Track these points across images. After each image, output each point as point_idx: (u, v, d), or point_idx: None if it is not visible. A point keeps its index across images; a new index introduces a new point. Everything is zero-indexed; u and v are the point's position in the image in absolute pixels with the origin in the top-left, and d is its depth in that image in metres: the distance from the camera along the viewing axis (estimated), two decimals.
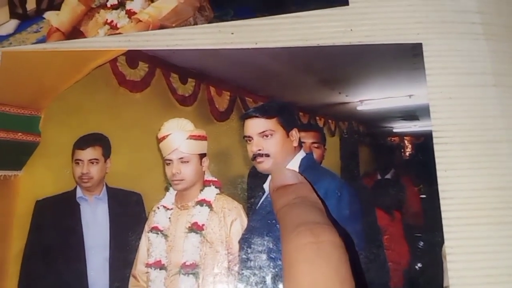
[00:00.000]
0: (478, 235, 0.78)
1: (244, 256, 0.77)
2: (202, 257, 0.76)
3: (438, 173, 0.81)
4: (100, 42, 0.88)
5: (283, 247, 0.49)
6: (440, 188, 0.80)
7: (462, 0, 0.92)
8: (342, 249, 0.48)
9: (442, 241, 0.77)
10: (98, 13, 0.91)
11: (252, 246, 0.77)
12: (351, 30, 0.89)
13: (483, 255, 0.78)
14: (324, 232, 0.48)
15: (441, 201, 0.80)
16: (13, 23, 0.89)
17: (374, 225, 0.79)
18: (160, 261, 0.77)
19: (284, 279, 0.47)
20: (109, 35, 0.88)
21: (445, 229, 0.78)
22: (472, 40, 0.89)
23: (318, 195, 0.57)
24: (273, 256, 0.76)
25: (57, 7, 0.91)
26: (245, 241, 0.78)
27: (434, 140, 0.83)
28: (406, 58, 0.86)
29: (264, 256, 0.76)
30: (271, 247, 0.76)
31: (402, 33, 0.89)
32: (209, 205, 0.79)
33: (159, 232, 0.79)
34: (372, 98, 0.85)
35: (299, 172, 0.76)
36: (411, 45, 0.87)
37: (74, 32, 0.89)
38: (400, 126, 0.84)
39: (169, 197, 0.81)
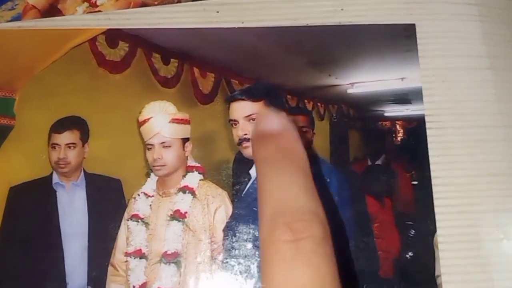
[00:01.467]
0: (471, 223, 0.76)
1: (228, 245, 0.74)
2: (185, 246, 0.74)
3: (431, 159, 0.78)
4: (78, 20, 0.84)
5: (259, 231, 0.43)
6: (432, 174, 0.77)
7: None
8: (325, 244, 0.42)
9: (434, 230, 0.74)
10: None
11: (237, 234, 0.74)
12: (342, 9, 0.85)
13: (476, 244, 0.75)
14: (304, 228, 0.42)
15: (434, 188, 0.77)
16: None
17: (364, 212, 0.76)
18: (140, 249, 0.74)
19: (261, 274, 0.43)
20: (88, 13, 0.84)
21: (437, 217, 0.76)
22: (467, 22, 0.85)
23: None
24: (258, 245, 0.73)
25: None
26: (229, 229, 0.75)
27: (427, 125, 0.80)
28: (399, 39, 0.83)
29: (249, 245, 0.74)
30: (256, 235, 0.73)
31: (395, 13, 0.86)
32: (192, 192, 0.76)
33: (139, 220, 0.76)
34: (363, 80, 0.82)
35: None
36: (404, 26, 0.84)
37: (51, 10, 0.85)
38: (392, 110, 0.81)
39: (150, 184, 0.78)
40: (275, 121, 0.54)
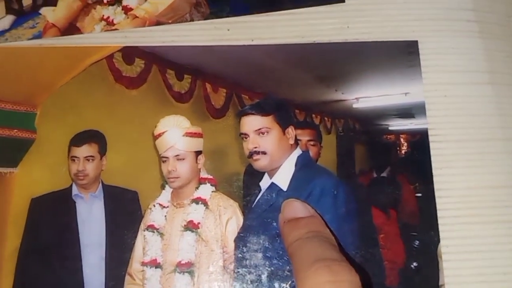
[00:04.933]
0: (473, 234, 0.74)
1: (239, 255, 0.72)
2: (198, 256, 0.72)
3: (434, 171, 0.76)
4: (96, 38, 0.82)
5: (298, 282, 0.45)
6: (435, 186, 0.75)
7: None
8: (359, 285, 0.44)
9: (437, 240, 0.72)
10: (95, 9, 0.86)
11: (247, 244, 0.72)
12: (348, 27, 0.83)
13: (479, 254, 0.73)
14: (343, 271, 0.44)
15: (437, 200, 0.75)
16: (9, 18, 0.83)
17: (370, 224, 0.74)
18: (155, 259, 0.72)
19: None
20: (105, 31, 0.82)
21: (440, 228, 0.74)
22: (468, 38, 0.83)
23: (331, 232, 0.52)
24: (269, 255, 0.71)
25: (53, 3, 0.86)
26: (240, 239, 0.73)
27: (430, 138, 0.78)
28: (402, 55, 0.81)
29: (259, 255, 0.72)
30: (266, 246, 0.71)
31: (398, 30, 0.84)
32: (204, 203, 0.74)
33: (155, 231, 0.74)
34: (368, 95, 0.80)
35: (295, 169, 0.72)
36: (407, 43, 0.82)
37: (70, 28, 0.83)
38: (396, 124, 0.78)
39: (165, 195, 0.76)
40: (302, 207, 0.55)
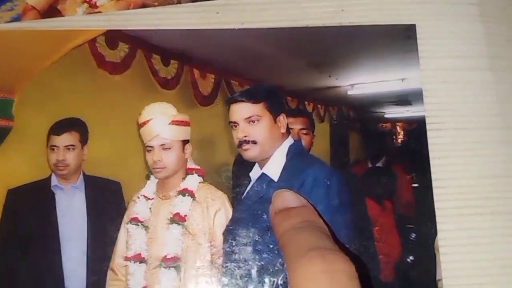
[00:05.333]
0: (472, 226, 0.70)
1: (228, 249, 0.69)
2: (184, 250, 0.68)
3: (431, 161, 0.72)
4: (78, 21, 0.78)
5: (290, 273, 0.43)
6: (433, 176, 0.72)
7: None
8: (356, 280, 0.42)
9: (435, 233, 0.68)
10: None
11: (237, 238, 0.68)
12: (342, 10, 0.79)
13: (477, 247, 0.70)
14: (337, 260, 0.42)
15: (434, 190, 0.72)
16: None
17: (364, 215, 0.71)
18: (140, 254, 0.69)
19: None
20: (87, 14, 0.78)
21: (438, 219, 0.70)
22: (468, 22, 0.80)
23: (325, 222, 0.49)
24: (259, 249, 0.68)
25: None
26: (229, 232, 0.69)
27: (427, 126, 0.74)
28: (399, 40, 0.77)
29: (249, 249, 0.68)
30: (256, 239, 0.68)
31: (395, 13, 0.80)
32: (191, 194, 0.71)
33: (139, 224, 0.70)
34: (363, 82, 0.76)
35: (286, 159, 0.68)
36: (404, 27, 0.78)
37: (51, 11, 0.79)
38: (392, 112, 0.75)
39: (150, 186, 0.72)
40: (294, 197, 0.52)
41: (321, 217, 0.52)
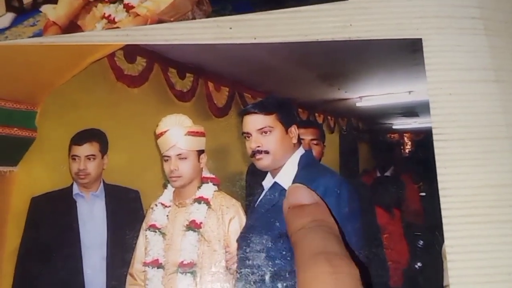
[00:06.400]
0: (478, 234, 0.72)
1: (242, 255, 0.70)
2: (200, 256, 0.70)
3: (438, 171, 0.74)
4: (97, 36, 0.80)
5: (299, 274, 0.44)
6: (440, 185, 0.73)
7: None
8: (359, 282, 0.43)
9: (442, 240, 0.70)
10: (96, 6, 0.84)
11: (250, 245, 0.70)
12: (351, 25, 0.81)
13: (483, 254, 0.71)
14: (342, 264, 0.43)
15: (441, 199, 0.73)
16: (9, 16, 0.81)
17: (373, 223, 0.72)
18: (157, 260, 0.70)
19: None
20: (106, 29, 0.80)
21: (445, 227, 0.71)
22: (472, 36, 0.81)
23: (336, 220, 0.50)
24: (272, 255, 0.70)
25: (54, 1, 0.83)
26: (243, 239, 0.71)
27: (434, 137, 0.76)
28: (406, 53, 0.79)
29: (262, 255, 0.70)
30: (269, 246, 0.69)
31: (402, 28, 0.82)
32: (207, 202, 0.72)
33: (156, 230, 0.72)
34: (371, 94, 0.78)
35: (298, 168, 0.69)
36: (411, 41, 0.80)
37: (71, 26, 0.81)
38: (400, 123, 0.76)
39: (167, 194, 0.74)
40: (307, 193, 0.53)
41: (332, 215, 0.53)
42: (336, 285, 0.42)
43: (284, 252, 0.69)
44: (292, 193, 0.56)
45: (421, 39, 0.80)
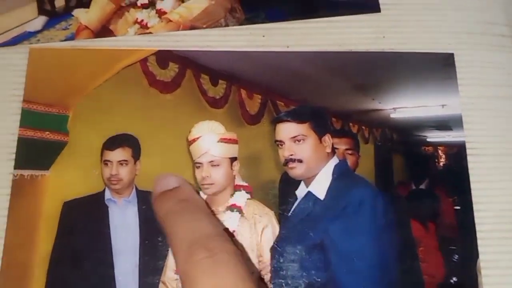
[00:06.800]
0: None
1: (276, 265, 0.69)
2: None
3: (472, 185, 0.73)
4: (130, 41, 0.80)
5: (179, 267, 0.45)
6: (474, 200, 0.73)
7: (491, 13, 0.85)
8: (238, 256, 0.45)
9: (477, 255, 0.69)
10: (128, 11, 0.83)
11: (284, 254, 0.69)
12: (384, 37, 0.81)
13: None
14: (217, 245, 0.44)
15: (475, 214, 0.72)
16: (41, 19, 0.81)
17: (409, 236, 0.71)
18: None
19: None
20: (139, 34, 0.79)
21: (479, 242, 0.71)
22: (502, 53, 0.82)
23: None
24: (306, 266, 0.69)
25: (86, 5, 0.83)
26: (276, 249, 0.70)
27: (468, 151, 0.75)
28: (438, 67, 0.79)
29: (296, 265, 0.69)
30: (303, 256, 0.69)
31: (434, 42, 0.82)
32: (239, 210, 0.71)
33: None
34: (405, 106, 0.77)
35: (332, 178, 0.69)
36: (443, 55, 0.80)
37: (103, 31, 0.80)
38: (434, 136, 0.76)
39: None
40: (170, 179, 0.53)
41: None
42: (215, 267, 0.42)
43: (318, 263, 0.69)
44: (155, 183, 0.55)
45: (453, 54, 0.80)
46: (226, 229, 0.64)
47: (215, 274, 0.42)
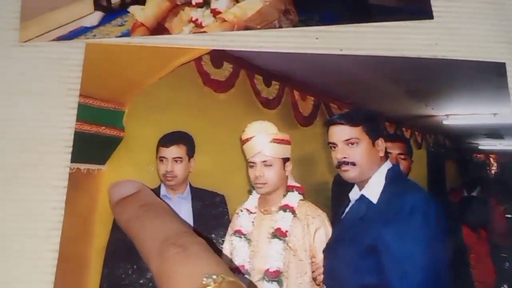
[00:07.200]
0: None
1: (328, 267, 0.69)
2: (286, 265, 0.68)
3: None
4: (185, 39, 0.80)
5: (152, 267, 0.47)
6: None
7: None
8: (207, 247, 0.47)
9: None
10: (183, 10, 0.83)
11: (337, 257, 0.69)
12: (436, 44, 0.81)
13: None
14: (187, 240, 0.46)
15: None
16: (98, 15, 0.81)
17: (461, 243, 0.71)
18: (243, 266, 0.69)
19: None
20: (193, 33, 0.79)
21: None
22: None
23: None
24: (359, 268, 0.68)
25: (142, 2, 0.83)
26: (330, 251, 0.70)
27: None
28: (490, 76, 0.79)
29: (349, 268, 0.69)
30: (356, 259, 0.68)
31: (486, 51, 0.82)
32: (292, 211, 0.71)
33: (242, 236, 0.71)
34: (457, 113, 0.77)
35: (385, 182, 0.69)
36: (495, 64, 0.79)
37: (159, 28, 0.81)
38: (486, 144, 0.76)
39: (252, 200, 0.73)
40: (127, 185, 0.54)
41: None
42: (188, 258, 0.44)
43: (370, 267, 0.69)
44: (111, 190, 0.56)
45: (504, 63, 0.80)
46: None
47: (188, 264, 0.44)
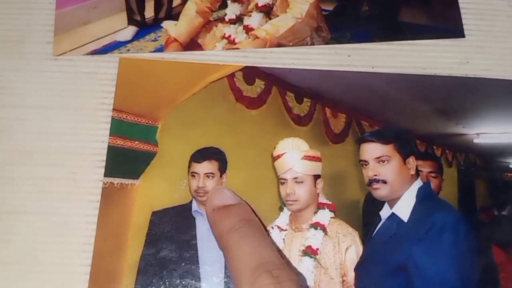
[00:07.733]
0: None
1: (359, 285, 0.69)
2: (317, 283, 0.69)
3: None
4: (218, 56, 0.80)
5: (240, 286, 0.47)
6: None
7: None
8: (299, 286, 0.47)
9: None
10: (216, 26, 0.84)
11: (368, 275, 0.69)
12: (467, 62, 0.81)
13: None
14: (283, 273, 0.46)
15: None
16: (131, 29, 0.82)
17: (491, 262, 0.71)
18: None
19: None
20: (226, 49, 0.80)
21: None
22: None
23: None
24: (388, 286, 0.68)
25: (175, 17, 0.84)
26: (360, 269, 0.70)
27: None
28: None
29: (379, 286, 0.68)
30: (387, 277, 0.68)
31: None
32: (323, 228, 0.71)
33: None
34: (488, 131, 0.77)
35: (416, 200, 0.69)
36: None
37: (192, 44, 0.82)
38: None
39: (283, 217, 0.73)
40: (230, 195, 0.54)
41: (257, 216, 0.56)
42: None
43: (401, 285, 0.68)
44: (214, 195, 0.56)
45: None
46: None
47: None
